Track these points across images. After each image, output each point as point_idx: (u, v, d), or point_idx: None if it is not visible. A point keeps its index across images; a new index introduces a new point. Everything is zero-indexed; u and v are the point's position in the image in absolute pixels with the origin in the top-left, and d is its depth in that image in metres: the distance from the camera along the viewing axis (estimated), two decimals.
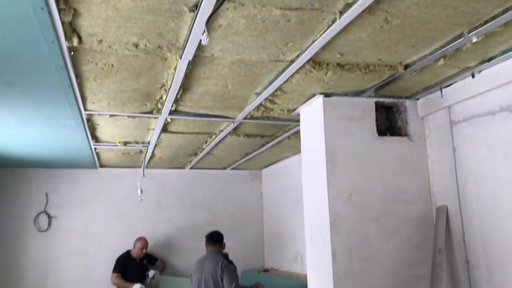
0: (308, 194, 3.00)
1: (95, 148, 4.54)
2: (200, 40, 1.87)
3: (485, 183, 2.44)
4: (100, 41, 2.01)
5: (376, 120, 3.06)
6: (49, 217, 5.60)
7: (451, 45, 2.06)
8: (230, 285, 3.86)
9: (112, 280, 5.32)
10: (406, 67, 2.39)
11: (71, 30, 1.91)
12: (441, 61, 2.26)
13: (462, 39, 2.00)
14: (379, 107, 3.06)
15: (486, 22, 1.87)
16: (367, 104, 2.90)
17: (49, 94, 2.69)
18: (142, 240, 5.49)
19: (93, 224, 5.75)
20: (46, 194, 5.64)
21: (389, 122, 3.13)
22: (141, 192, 4.62)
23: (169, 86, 2.62)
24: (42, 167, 5.58)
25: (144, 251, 5.45)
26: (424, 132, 2.96)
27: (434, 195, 2.86)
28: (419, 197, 2.86)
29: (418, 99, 2.98)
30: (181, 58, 2.18)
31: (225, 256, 4.12)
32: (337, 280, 2.61)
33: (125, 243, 5.70)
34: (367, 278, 2.67)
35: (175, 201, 6.11)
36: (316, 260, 2.84)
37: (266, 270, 5.74)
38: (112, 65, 2.31)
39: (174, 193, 6.13)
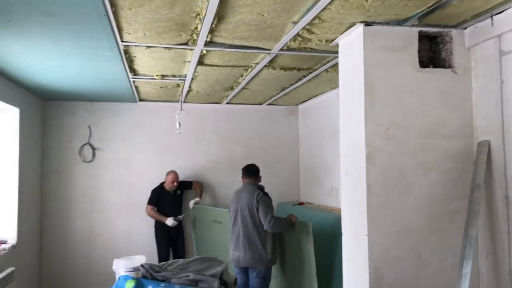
0: (345, 128, 2.96)
1: (133, 82, 4.61)
2: None
3: None
4: None
5: (419, 52, 2.93)
6: (93, 148, 5.85)
7: None
8: (266, 216, 3.97)
9: (147, 212, 5.62)
10: None
11: None
12: None
13: None
14: (422, 37, 2.91)
15: None
16: (410, 33, 2.75)
17: (85, 25, 2.70)
18: (173, 174, 5.68)
19: (135, 156, 5.98)
20: (89, 127, 5.86)
21: (432, 54, 2.98)
22: (179, 125, 4.71)
23: (203, 15, 2.57)
24: (84, 100, 5.75)
25: (175, 184, 5.64)
26: (470, 63, 2.81)
27: (476, 130, 2.76)
28: (460, 132, 2.77)
29: (465, 28, 2.80)
30: None
31: (261, 188, 4.21)
32: (371, 213, 2.63)
33: (165, 174, 5.93)
34: (401, 212, 2.67)
35: (212, 135, 6.22)
36: (350, 193, 2.86)
37: (301, 203, 5.86)
38: None
39: (211, 128, 6.22)
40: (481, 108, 2.72)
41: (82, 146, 5.83)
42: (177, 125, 4.69)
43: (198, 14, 2.62)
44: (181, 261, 2.38)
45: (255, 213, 4.04)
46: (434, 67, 2.88)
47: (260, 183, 4.36)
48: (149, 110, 6.03)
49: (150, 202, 5.64)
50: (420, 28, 2.77)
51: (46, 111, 5.73)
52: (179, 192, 5.75)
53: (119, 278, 2.13)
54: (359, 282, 2.71)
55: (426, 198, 2.71)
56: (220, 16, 2.64)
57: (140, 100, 5.90)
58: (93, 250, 5.74)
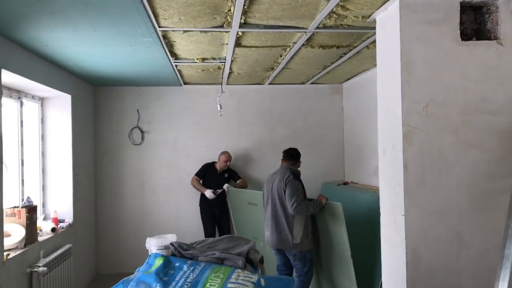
0: (382, 105, 2.89)
1: (176, 65, 4.71)
2: None
3: None
4: None
5: (462, 24, 2.78)
6: (142, 131, 6.07)
7: None
8: (290, 199, 3.92)
9: (191, 181, 5.81)
10: None
11: None
12: None
13: None
14: (465, 8, 2.76)
15: None
16: (451, 5, 2.62)
17: (122, 12, 2.79)
18: (227, 154, 5.81)
19: (181, 138, 6.15)
20: (138, 111, 6.07)
21: (477, 25, 2.82)
22: (221, 107, 4.78)
23: None
24: (132, 85, 5.96)
25: (228, 163, 5.78)
26: None
27: None
28: (506, 107, 2.62)
29: None
30: None
31: (295, 173, 4.17)
32: (408, 192, 2.57)
33: (211, 155, 6.07)
34: (441, 191, 2.59)
35: (255, 116, 6.25)
36: (388, 172, 2.81)
37: (345, 183, 5.81)
38: None
39: (255, 109, 6.26)
40: None
41: (132, 129, 6.06)
42: (219, 107, 4.77)
43: None
44: (210, 239, 2.45)
45: (283, 195, 4.02)
46: (479, 39, 2.73)
47: (303, 166, 4.33)
48: (194, 93, 6.16)
49: (197, 174, 5.84)
50: None
51: (97, 96, 6.00)
52: (226, 175, 5.86)
53: (150, 255, 2.24)
54: (396, 262, 2.68)
55: (468, 177, 2.61)
56: None
57: (185, 83, 6.03)
58: (144, 228, 6.01)
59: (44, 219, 4.64)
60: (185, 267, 2.01)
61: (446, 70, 2.61)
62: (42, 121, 4.92)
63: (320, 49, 3.96)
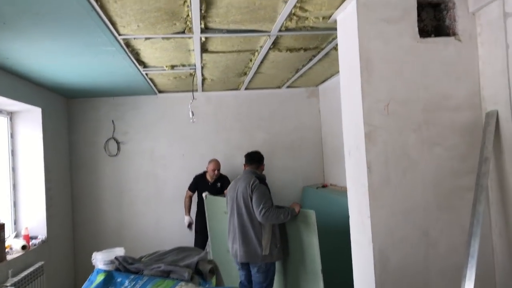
0: (345, 106, 2.86)
1: (146, 74, 4.65)
2: None
3: None
4: None
5: (422, 21, 2.77)
6: (117, 142, 5.99)
7: None
8: (258, 206, 3.61)
9: (184, 197, 5.72)
10: None
11: None
12: None
13: None
14: (424, 5, 2.76)
15: None
16: (408, 3, 2.60)
17: (77, 21, 2.73)
18: (214, 162, 5.62)
19: (158, 148, 6.07)
20: (113, 121, 5.99)
21: (437, 22, 2.81)
22: (193, 114, 4.72)
23: (189, 1, 2.54)
24: (106, 95, 5.88)
25: (216, 172, 5.56)
26: (475, 29, 2.62)
27: (484, 100, 2.59)
28: (466, 103, 2.61)
29: None
30: None
31: (260, 177, 3.90)
32: (373, 192, 2.54)
33: (189, 164, 6.01)
34: (406, 190, 2.56)
35: (233, 122, 6.21)
36: (353, 174, 2.77)
37: (324, 186, 5.78)
38: None
39: (232, 114, 6.21)
40: (488, 77, 2.54)
41: (107, 140, 5.98)
42: (190, 115, 4.71)
43: (185, 1, 2.59)
44: (160, 251, 2.38)
45: (249, 202, 3.71)
46: (439, 36, 2.71)
47: (264, 172, 4.06)
48: (169, 101, 6.09)
49: (189, 187, 5.71)
50: None
51: (71, 108, 5.91)
52: (219, 184, 5.60)
53: (93, 271, 2.17)
54: (365, 264, 2.64)
55: (433, 174, 2.58)
56: (207, 1, 2.60)
57: (160, 92, 5.97)
58: (123, 241, 5.89)
59: (16, 236, 4.53)
60: (126, 282, 1.94)
61: (406, 67, 2.59)
62: (12, 135, 4.82)
63: (288, 53, 3.93)
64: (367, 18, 2.58)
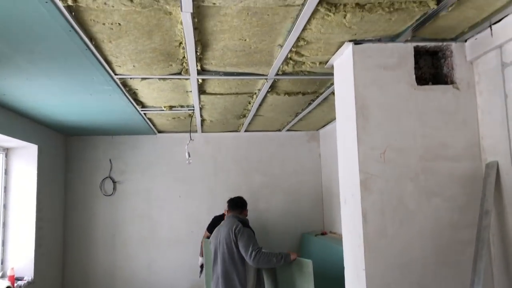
0: (341, 152, 2.78)
1: (145, 114, 4.63)
2: None
3: None
4: None
5: (420, 68, 2.75)
6: (114, 182, 5.90)
7: None
8: (247, 249, 3.46)
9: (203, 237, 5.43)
10: (438, 1, 2.06)
11: None
12: None
13: None
14: (422, 53, 2.74)
15: None
16: (404, 50, 2.58)
17: (72, 60, 2.72)
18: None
19: (155, 188, 5.97)
20: (110, 160, 5.93)
21: (434, 70, 2.78)
22: (189, 155, 4.65)
23: (184, 43, 2.52)
24: (105, 134, 5.85)
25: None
26: (473, 78, 2.58)
27: (484, 150, 2.51)
28: (466, 153, 2.53)
29: (466, 41, 2.59)
30: (181, 10, 2.06)
31: (243, 221, 3.76)
32: (368, 243, 2.41)
33: (185, 206, 5.90)
34: (403, 242, 2.44)
35: (232, 163, 6.13)
36: (349, 222, 2.66)
37: (323, 233, 5.61)
38: (119, 23, 2.24)
39: (231, 156, 6.14)
40: (488, 126, 2.47)
41: (103, 179, 5.89)
42: (186, 155, 4.64)
43: (181, 43, 2.58)
44: None
45: (233, 248, 3.55)
46: (437, 83, 2.68)
47: (247, 217, 3.92)
48: (168, 142, 6.05)
49: (207, 228, 5.27)
50: (416, 43, 2.60)
51: (69, 146, 5.87)
52: None
53: None
54: None
55: (431, 226, 2.46)
56: (203, 43, 2.58)
57: (159, 132, 5.94)
58: (115, 284, 5.71)
59: (2, 277, 4.37)
60: None
61: (403, 115, 2.53)
62: (6, 172, 4.75)
63: (286, 96, 3.90)
64: (363, 64, 2.55)
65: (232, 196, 4.06)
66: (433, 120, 2.54)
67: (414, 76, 2.57)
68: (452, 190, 2.50)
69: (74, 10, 2.06)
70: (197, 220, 5.85)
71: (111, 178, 5.91)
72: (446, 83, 2.64)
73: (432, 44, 2.62)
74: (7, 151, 4.78)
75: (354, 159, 2.51)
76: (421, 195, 2.48)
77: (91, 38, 2.43)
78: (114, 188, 5.90)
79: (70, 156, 5.87)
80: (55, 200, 5.41)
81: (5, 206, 4.68)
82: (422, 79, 2.72)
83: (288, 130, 6.07)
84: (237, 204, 3.94)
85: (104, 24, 2.24)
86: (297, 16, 2.17)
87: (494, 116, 2.41)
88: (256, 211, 5.94)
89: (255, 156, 6.18)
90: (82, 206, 5.83)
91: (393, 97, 2.53)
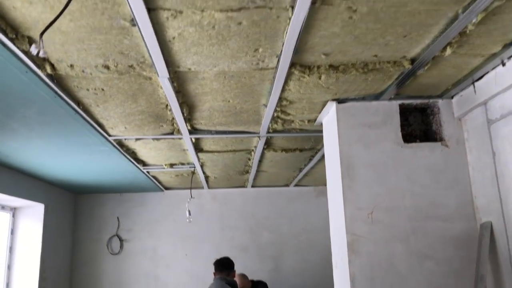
0: (331, 213, 2.71)
1: (148, 172, 4.66)
2: (149, 55, 1.78)
3: None
4: (71, 66, 2.02)
5: (410, 125, 2.71)
6: (121, 240, 5.86)
7: (448, 29, 1.71)
8: None
9: None
10: (412, 61, 2.05)
11: (41, 58, 1.93)
12: (448, 50, 1.89)
13: (458, 20, 1.64)
14: (412, 109, 2.70)
15: None
16: (389, 108, 2.55)
17: (64, 123, 2.79)
18: (239, 278, 4.74)
19: (161, 247, 5.89)
20: (118, 218, 5.93)
21: (425, 126, 2.73)
22: (189, 214, 4.61)
23: (169, 106, 2.57)
24: (113, 192, 5.89)
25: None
26: (463, 135, 2.52)
27: (478, 210, 2.40)
28: (458, 212, 2.42)
29: (452, 97, 2.55)
30: (158, 76, 2.11)
31: (231, 283, 3.70)
32: None
33: (191, 265, 5.78)
34: None
35: (239, 220, 6.04)
36: (340, 287, 2.53)
37: None
38: (102, 89, 2.31)
39: (238, 212, 6.06)
40: (479, 185, 2.37)
41: (110, 238, 5.86)
42: (187, 214, 4.60)
43: (167, 105, 2.63)
44: None
45: None
46: (427, 140, 2.62)
47: (243, 280, 3.80)
48: (176, 198, 6.03)
49: None
50: (401, 101, 2.57)
51: (78, 204, 5.91)
52: None
53: None
54: None
55: None
56: (189, 105, 2.62)
57: (166, 188, 5.95)
58: None
59: None
60: None
61: (390, 173, 2.46)
62: (12, 232, 4.79)
63: (284, 153, 3.89)
64: (347, 123, 2.53)
65: (224, 257, 3.99)
66: (422, 178, 2.46)
67: (400, 134, 2.52)
68: (445, 253, 2.37)
69: (55, 78, 2.13)
70: (204, 280, 5.68)
71: (118, 236, 5.88)
72: (435, 140, 2.59)
73: (418, 101, 2.60)
74: (14, 210, 4.84)
75: (341, 220, 2.43)
76: (412, 258, 2.36)
77: (78, 103, 2.50)
78: (121, 247, 5.85)
79: (78, 214, 5.90)
80: (61, 259, 5.38)
81: (9, 267, 4.67)
82: (413, 136, 2.67)
83: (296, 185, 6.00)
84: (224, 265, 3.85)
85: (88, 89, 2.31)
86: (274, 78, 2.19)
87: (484, 174, 2.32)
88: (264, 270, 5.76)
89: (262, 213, 6.08)
90: (89, 265, 5.78)
91: (379, 155, 2.48)
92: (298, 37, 1.73)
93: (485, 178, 2.31)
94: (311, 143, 3.62)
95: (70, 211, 5.75)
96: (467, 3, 1.56)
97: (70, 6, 1.50)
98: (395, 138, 2.51)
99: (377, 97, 2.54)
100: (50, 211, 4.99)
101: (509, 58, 1.99)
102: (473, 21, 1.63)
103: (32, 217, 4.84)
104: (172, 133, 3.17)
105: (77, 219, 5.88)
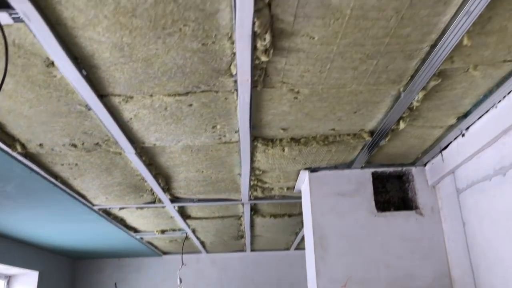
0: (308, 284, 2.65)
1: (141, 238, 4.65)
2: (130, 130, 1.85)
3: (495, 267, 1.90)
4: (41, 145, 2.10)
5: (387, 192, 2.69)
6: None
7: (395, 105, 1.75)
8: None
9: None
10: (372, 133, 2.08)
11: (10, 138, 2.02)
12: (402, 124, 1.92)
13: (401, 98, 1.69)
14: (389, 176, 2.70)
15: (412, 77, 1.56)
16: (362, 176, 2.55)
17: (45, 196, 2.85)
18: None
19: None
20: (115, 284, 5.84)
21: (402, 193, 2.71)
22: (180, 281, 4.52)
23: (145, 178, 2.61)
24: (111, 257, 5.85)
25: None
26: (437, 203, 2.48)
27: (454, 282, 2.31)
28: (436, 284, 2.33)
29: (425, 165, 2.55)
30: (125, 152, 2.17)
31: None
32: None
33: None
34: None
35: (239, 286, 5.88)
36: None
37: None
38: (76, 164, 2.38)
39: (237, 278, 5.92)
40: (454, 255, 2.31)
41: None
42: (178, 282, 4.52)
43: (143, 177, 2.67)
44: None
45: None
46: (406, 208, 2.59)
47: None
48: (174, 263, 5.92)
49: None
50: (374, 169, 2.58)
51: (76, 270, 5.87)
52: None
53: None
54: None
55: None
56: (164, 176, 2.67)
57: (164, 253, 5.89)
58: None
59: None
60: None
61: (364, 244, 2.42)
62: None
63: (272, 218, 3.86)
64: (320, 192, 2.53)
65: None
66: (397, 249, 2.41)
67: (374, 203, 2.50)
68: None
69: (28, 156, 2.21)
70: None
71: None
72: (411, 208, 2.55)
73: (391, 169, 2.60)
74: (9, 278, 4.83)
75: None
76: None
77: (56, 177, 2.56)
78: None
79: (76, 280, 5.84)
80: None
81: None
82: (390, 203, 2.65)
83: (296, 248, 5.87)
84: None
85: (62, 164, 2.38)
86: (240, 150, 2.23)
87: (458, 244, 2.26)
88: None
89: (263, 278, 5.93)
90: None
91: (352, 225, 2.45)
92: (250, 115, 1.78)
93: (459, 249, 2.25)
94: (298, 208, 3.60)
95: (67, 277, 5.70)
96: (404, 83, 1.60)
97: (26, 95, 1.60)
98: (369, 207, 2.49)
99: (349, 165, 2.55)
100: (45, 278, 4.96)
101: (467, 129, 2.00)
102: (416, 98, 1.67)
103: (26, 285, 4.81)
104: (154, 202, 3.20)
105: (75, 285, 5.81)
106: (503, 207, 1.81)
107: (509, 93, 1.66)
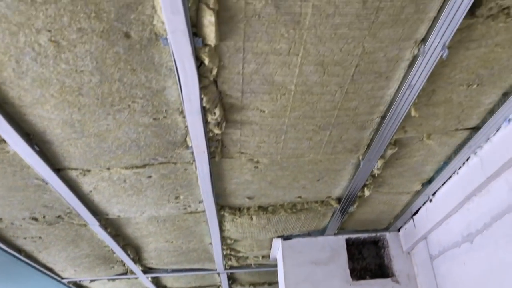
0: None
1: None
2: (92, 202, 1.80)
3: None
4: (0, 220, 2.03)
5: (364, 259, 2.62)
6: None
7: (357, 173, 1.74)
8: None
9: None
10: (339, 200, 2.06)
11: None
12: (366, 191, 1.91)
13: (361, 166, 1.68)
14: (366, 242, 2.64)
15: (368, 146, 1.56)
16: (336, 243, 2.50)
17: (9, 270, 2.74)
18: None
19: None
20: None
21: (380, 260, 2.64)
22: None
23: (113, 250, 2.53)
24: None
25: None
26: (413, 270, 2.42)
27: None
28: None
29: (399, 230, 2.51)
30: (88, 224, 2.11)
31: None
32: None
33: None
34: None
35: None
36: None
37: None
38: (40, 237, 2.30)
39: None
40: None
41: None
42: None
43: (111, 249, 2.58)
44: None
45: None
46: (382, 275, 2.51)
47: None
48: None
49: None
50: (347, 236, 2.53)
51: None
52: None
53: None
54: None
55: None
56: (134, 247, 2.59)
57: None
58: None
59: None
60: None
61: None
62: None
63: (252, 287, 3.72)
64: (294, 260, 2.45)
65: None
66: None
67: (348, 271, 2.43)
68: None
69: None
70: None
71: None
72: (388, 275, 2.48)
73: (366, 235, 2.55)
74: None
75: None
76: None
77: (20, 251, 2.47)
78: None
79: None
80: None
81: None
82: (367, 270, 2.57)
83: None
84: None
85: (25, 238, 2.30)
86: (207, 220, 2.18)
87: None
88: None
89: None
90: None
91: None
92: (212, 185, 1.75)
93: None
94: (277, 276, 3.48)
95: None
96: (362, 152, 1.61)
97: None
98: (344, 275, 2.41)
99: (322, 232, 2.50)
100: None
101: (433, 194, 1.99)
102: (376, 166, 1.66)
103: None
104: (126, 273, 3.08)
105: None
106: (474, 275, 1.76)
107: (467, 159, 1.66)
